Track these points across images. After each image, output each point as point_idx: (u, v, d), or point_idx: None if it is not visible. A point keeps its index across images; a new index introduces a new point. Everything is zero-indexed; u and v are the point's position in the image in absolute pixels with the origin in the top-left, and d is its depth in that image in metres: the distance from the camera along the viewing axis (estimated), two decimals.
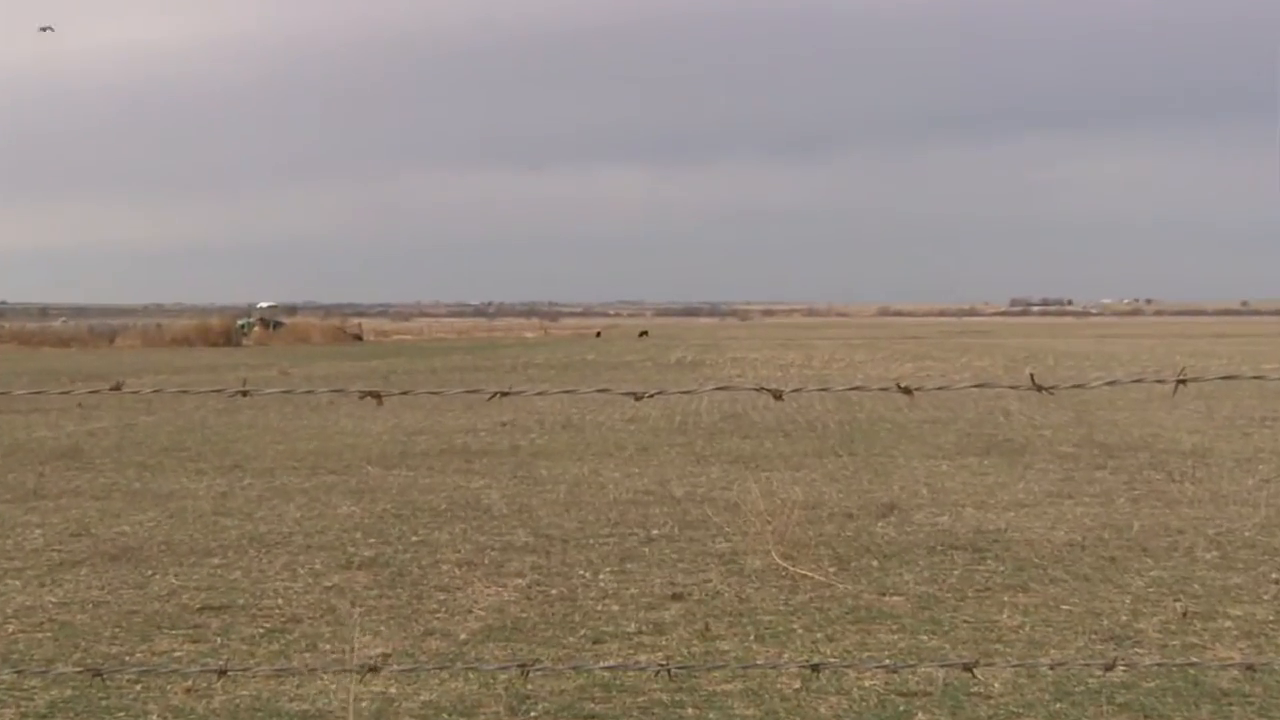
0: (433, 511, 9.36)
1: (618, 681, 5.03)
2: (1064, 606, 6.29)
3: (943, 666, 5.08)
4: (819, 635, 5.81)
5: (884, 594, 6.58)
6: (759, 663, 5.34)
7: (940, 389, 3.11)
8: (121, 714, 4.79)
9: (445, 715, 4.74)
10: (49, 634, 5.97)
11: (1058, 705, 4.76)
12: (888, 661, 5.32)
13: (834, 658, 5.42)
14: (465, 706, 4.82)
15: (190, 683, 5.06)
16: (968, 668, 3.29)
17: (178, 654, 5.62)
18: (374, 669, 4.03)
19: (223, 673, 3.39)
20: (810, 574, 6.96)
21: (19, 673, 5.08)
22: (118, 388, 2.87)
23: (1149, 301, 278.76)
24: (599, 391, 3.14)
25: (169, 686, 5.06)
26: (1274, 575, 6.96)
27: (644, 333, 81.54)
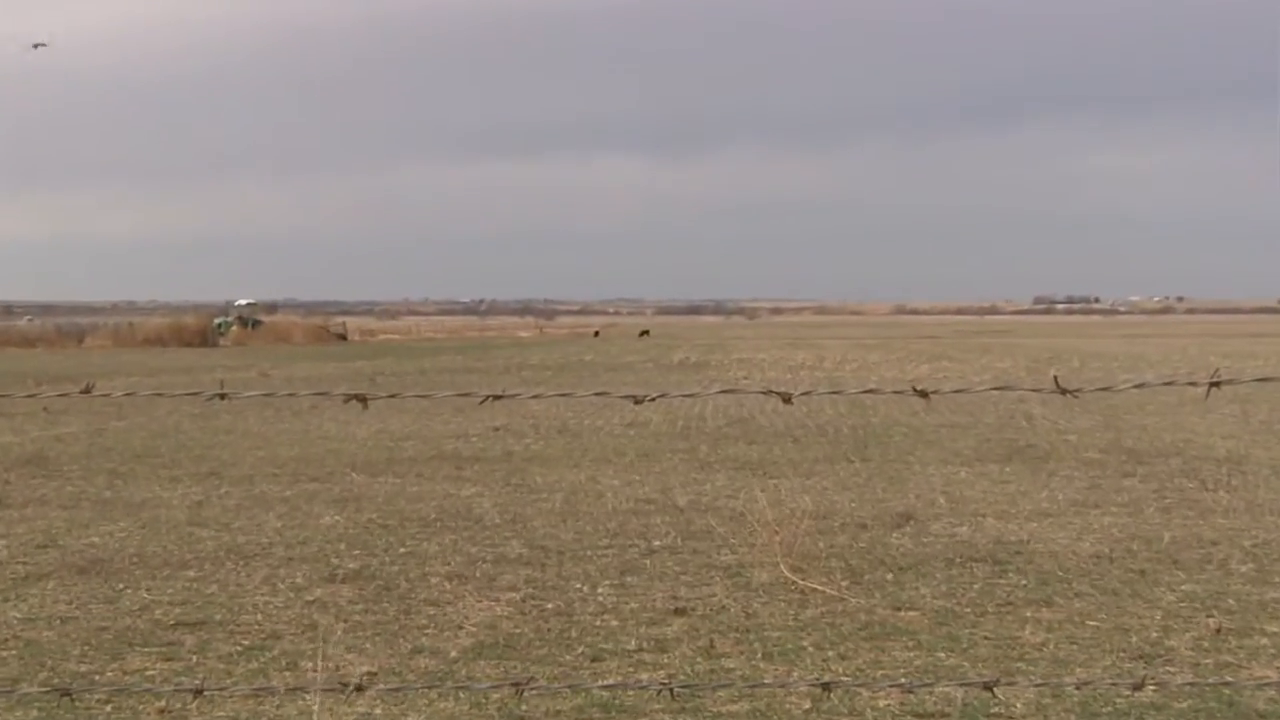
0: (421, 521, 9.36)
1: (617, 701, 5.03)
2: (1090, 622, 6.29)
3: (961, 686, 5.08)
4: (830, 653, 5.81)
5: (899, 609, 6.58)
6: (767, 682, 5.34)
7: (959, 392, 3.11)
8: None
9: None
10: (14, 652, 5.97)
11: None
12: (903, 680, 5.32)
13: (846, 676, 5.42)
14: None
15: (164, 703, 5.06)
16: (988, 687, 3.29)
17: (151, 673, 5.62)
18: (359, 688, 4.04)
19: (198, 693, 3.39)
20: (821, 588, 6.96)
21: None
22: (87, 390, 2.88)
23: (1180, 299, 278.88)
24: (597, 394, 3.14)
25: (142, 707, 5.07)
26: None
27: (645, 332, 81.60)
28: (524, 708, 4.97)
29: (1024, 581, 7.18)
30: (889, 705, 4.99)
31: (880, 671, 5.50)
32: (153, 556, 8.14)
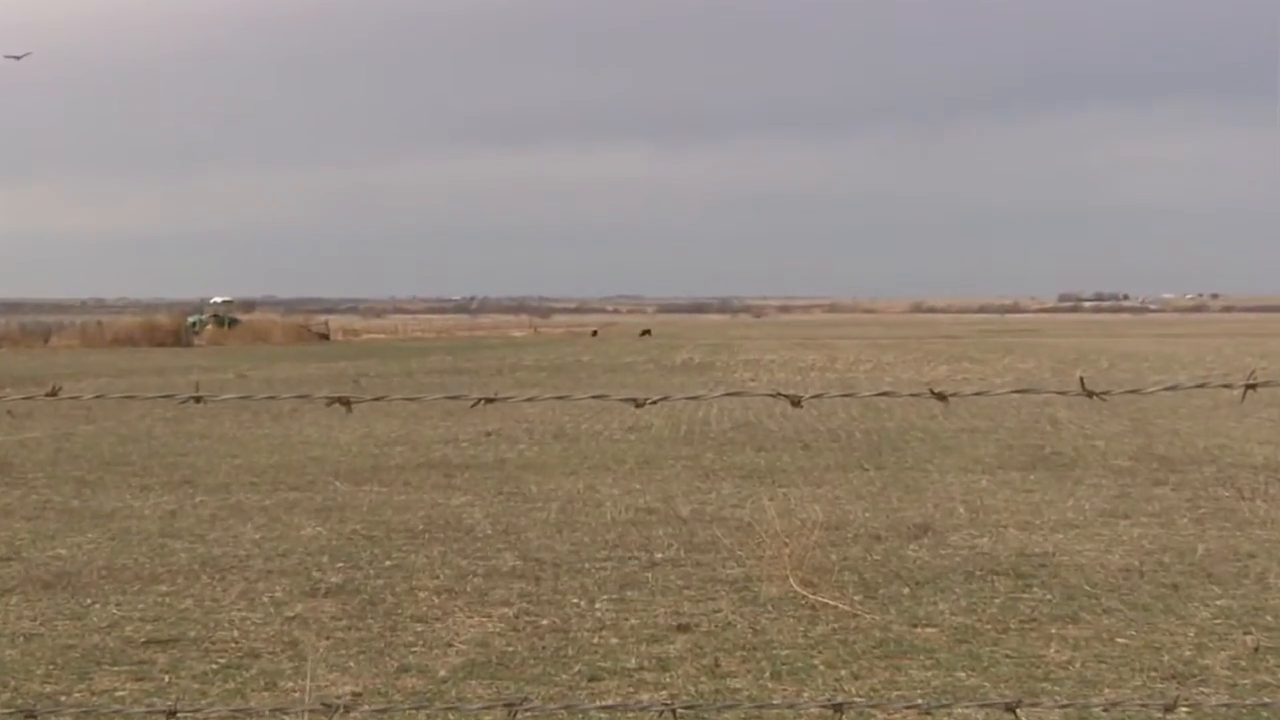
0: (408, 532, 9.37)
1: None
2: (1119, 640, 6.29)
3: (982, 707, 5.08)
4: (843, 672, 5.81)
5: (916, 625, 6.58)
6: (775, 702, 5.34)
7: (979, 394, 3.11)
8: None
9: None
10: None
11: None
12: (920, 701, 5.32)
13: (859, 697, 5.42)
14: None
15: None
16: (1010, 708, 3.29)
17: (120, 694, 5.63)
18: (342, 709, 4.03)
19: (172, 714, 3.39)
20: (833, 603, 6.96)
21: None
22: (54, 393, 2.88)
23: (1215, 296, 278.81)
24: (595, 397, 3.14)
25: None
26: None
27: (646, 331, 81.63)
28: None
29: (1049, 596, 7.18)
30: None
31: (896, 692, 5.50)
32: (123, 570, 8.15)
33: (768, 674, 5.79)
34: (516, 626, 6.63)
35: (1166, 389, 3.07)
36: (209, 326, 66.84)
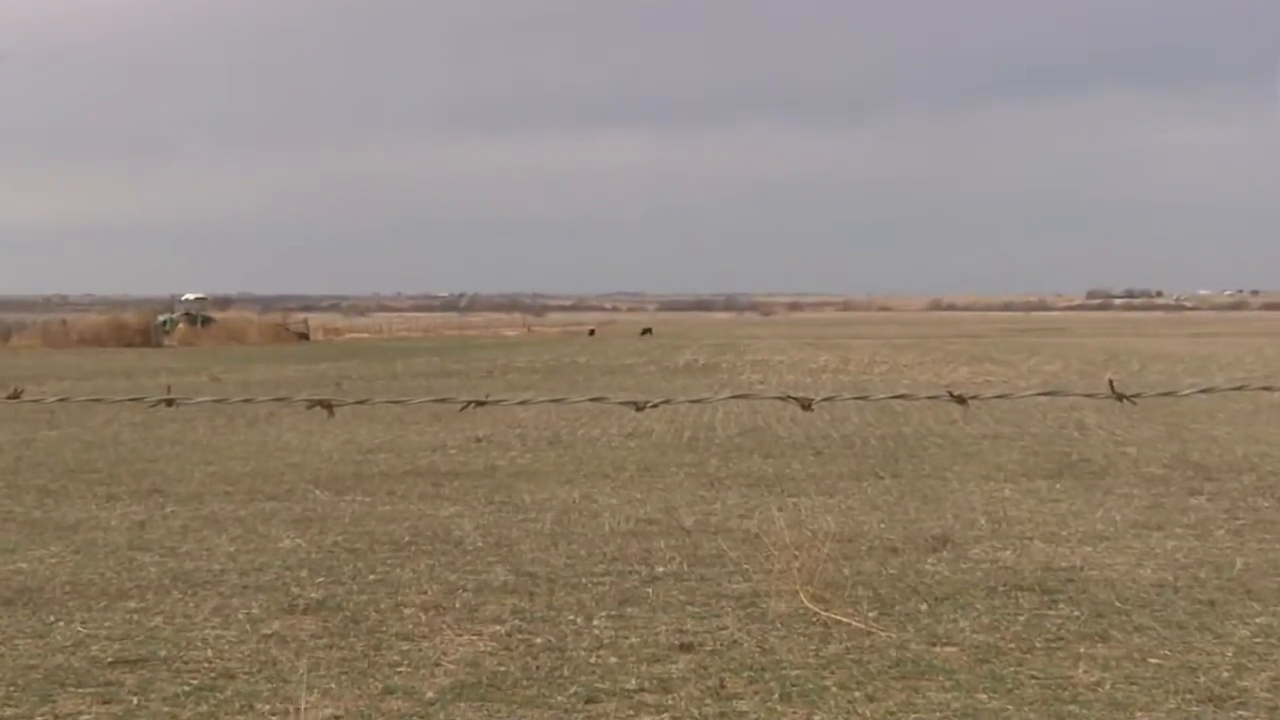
0: (393, 545, 9.37)
1: None
2: (1152, 660, 6.29)
3: None
4: (856, 694, 5.81)
5: (934, 644, 6.58)
6: None
7: (1001, 398, 3.12)
8: None
9: None
10: None
11: None
12: None
13: None
14: None
15: None
16: None
17: (85, 717, 5.62)
18: None
19: None
20: (846, 620, 6.96)
21: None
22: (15, 396, 2.88)
23: (1255, 293, 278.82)
24: (593, 401, 3.15)
25: None
26: None
27: (647, 330, 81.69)
28: None
29: (1076, 613, 7.18)
30: None
31: (913, 715, 5.50)
32: (88, 585, 8.15)
33: (776, 696, 5.79)
34: (508, 645, 6.63)
35: (1202, 392, 3.08)
36: (180, 325, 66.91)
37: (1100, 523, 10.05)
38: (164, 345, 60.47)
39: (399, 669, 6.24)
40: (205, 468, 13.93)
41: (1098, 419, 17.79)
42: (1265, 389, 3.03)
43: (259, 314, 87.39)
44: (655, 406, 2.91)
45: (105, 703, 5.80)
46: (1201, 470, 12.97)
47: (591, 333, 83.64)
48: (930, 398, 2.95)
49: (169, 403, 2.89)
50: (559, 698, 5.80)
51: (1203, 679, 5.99)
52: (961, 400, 2.84)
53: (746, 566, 8.34)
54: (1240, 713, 5.53)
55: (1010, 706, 5.63)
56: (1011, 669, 6.15)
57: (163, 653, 6.56)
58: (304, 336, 71.42)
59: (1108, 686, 5.89)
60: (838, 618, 7.00)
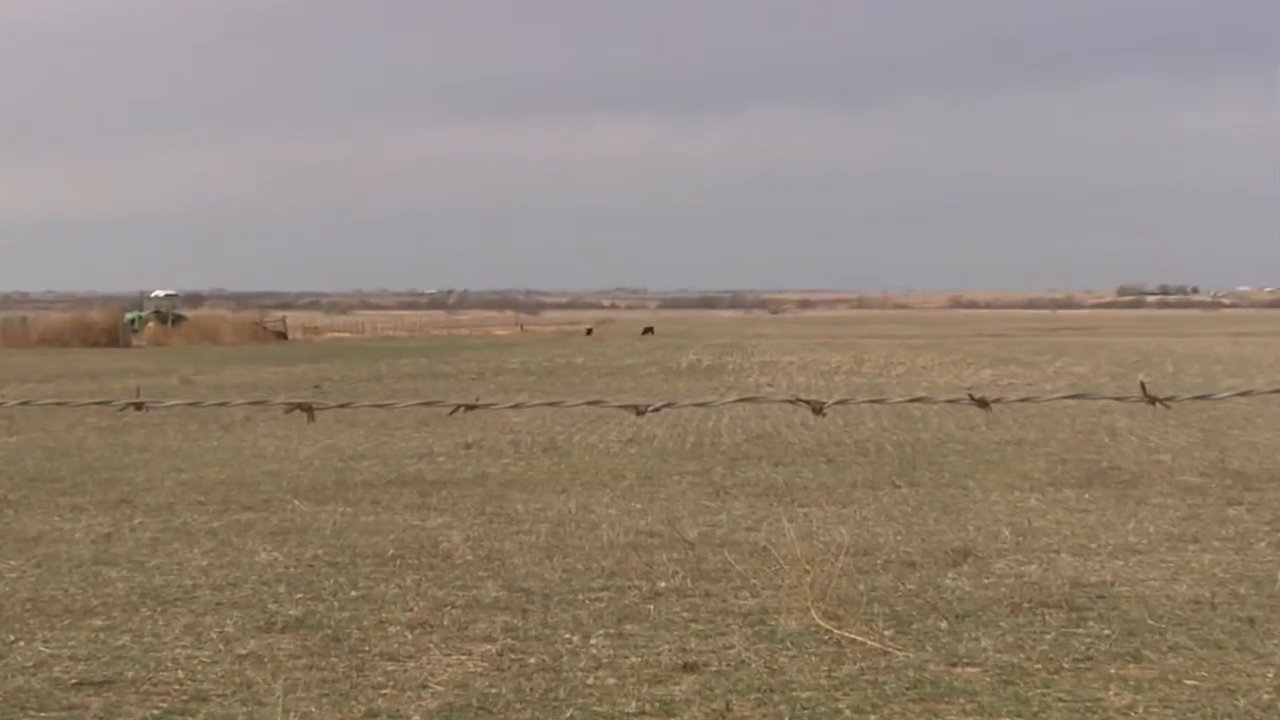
0: (377, 558, 9.37)
1: None
2: (1188, 681, 6.29)
3: None
4: (871, 717, 5.81)
5: (955, 664, 6.58)
6: None
7: (1026, 401, 3.12)
8: None
9: None
10: None
11: None
12: None
13: None
14: None
15: None
16: None
17: None
18: None
19: None
20: (860, 638, 6.96)
21: None
22: None
23: None
24: (590, 404, 3.15)
25: None
26: None
27: (648, 329, 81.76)
28: None
29: (1107, 632, 7.18)
30: None
31: None
32: (51, 602, 8.14)
33: (786, 719, 5.79)
34: (500, 665, 6.63)
35: (1241, 395, 3.08)
36: (150, 324, 66.96)
37: (1132, 535, 10.05)
38: (132, 345, 60.52)
39: (383, 691, 6.24)
40: (176, 476, 13.93)
41: (1129, 424, 17.79)
42: None
43: (233, 312, 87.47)
44: (657, 410, 2.91)
45: None
46: (1241, 479, 12.96)
47: (589, 332, 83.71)
48: (950, 401, 2.94)
49: (138, 406, 2.89)
50: None
51: (1242, 702, 5.98)
52: (984, 404, 2.84)
53: (754, 581, 8.34)
54: None
55: None
56: (1037, 691, 6.15)
57: (130, 674, 6.56)
58: (282, 336, 71.48)
59: (1140, 710, 5.88)
60: (852, 636, 6.99)
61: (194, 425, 19.11)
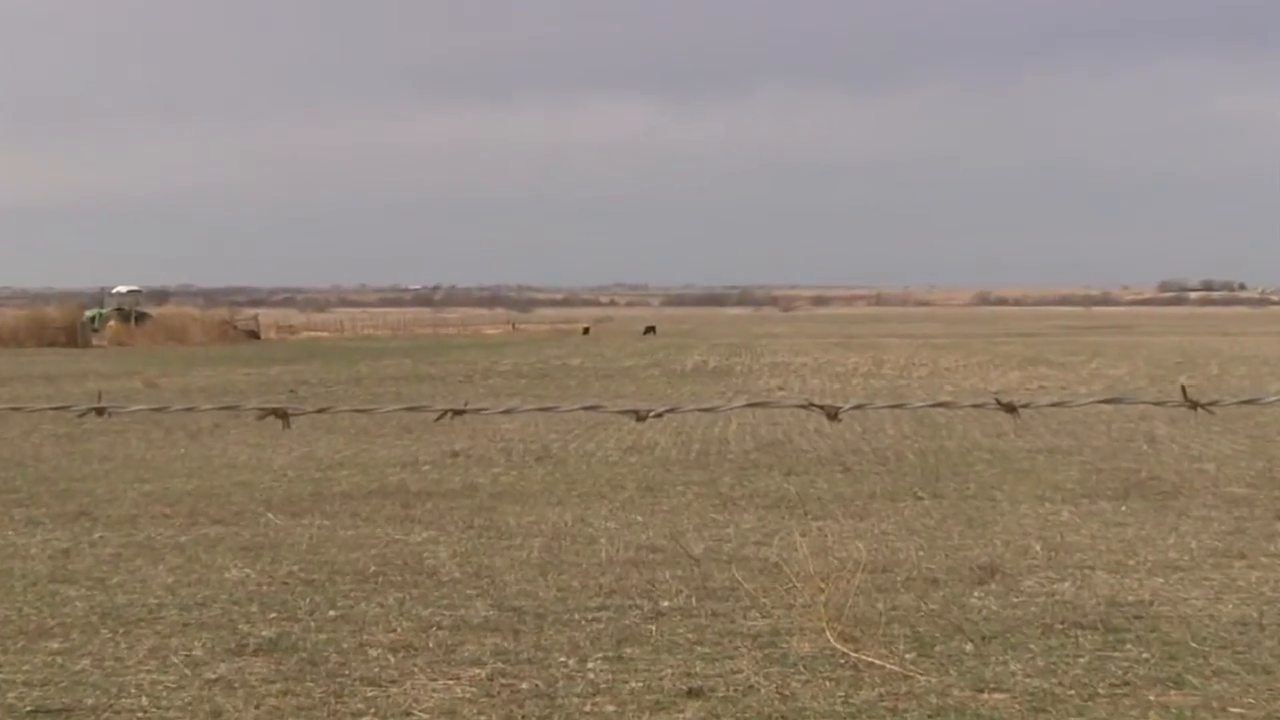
0: (357, 575, 9.37)
1: None
2: (1233, 709, 6.29)
3: None
4: None
5: (981, 690, 6.58)
6: None
7: (1058, 406, 3.12)
8: None
9: None
10: None
11: None
12: None
13: None
14: None
15: None
16: None
17: None
18: None
19: None
20: (879, 661, 6.96)
21: None
22: None
23: None
24: (587, 409, 3.15)
25: None
26: None
27: (649, 328, 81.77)
28: None
29: (1145, 655, 7.18)
30: None
31: None
32: (4, 623, 8.14)
33: None
34: (490, 691, 6.64)
35: None
36: (111, 323, 66.94)
37: (1173, 550, 10.05)
38: (92, 345, 60.52)
39: (364, 718, 6.25)
40: (140, 487, 13.93)
41: (1170, 430, 17.78)
42: None
43: (202, 309, 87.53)
44: (659, 416, 2.92)
45: None
46: None
47: (586, 331, 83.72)
48: (976, 406, 2.95)
49: (99, 412, 2.89)
50: None
51: None
52: (1012, 409, 2.84)
53: (764, 600, 8.34)
54: None
55: None
56: (1070, 719, 6.15)
57: (90, 700, 6.56)
58: (254, 335, 71.47)
59: None
60: (869, 659, 7.00)
61: (159, 432, 19.11)
